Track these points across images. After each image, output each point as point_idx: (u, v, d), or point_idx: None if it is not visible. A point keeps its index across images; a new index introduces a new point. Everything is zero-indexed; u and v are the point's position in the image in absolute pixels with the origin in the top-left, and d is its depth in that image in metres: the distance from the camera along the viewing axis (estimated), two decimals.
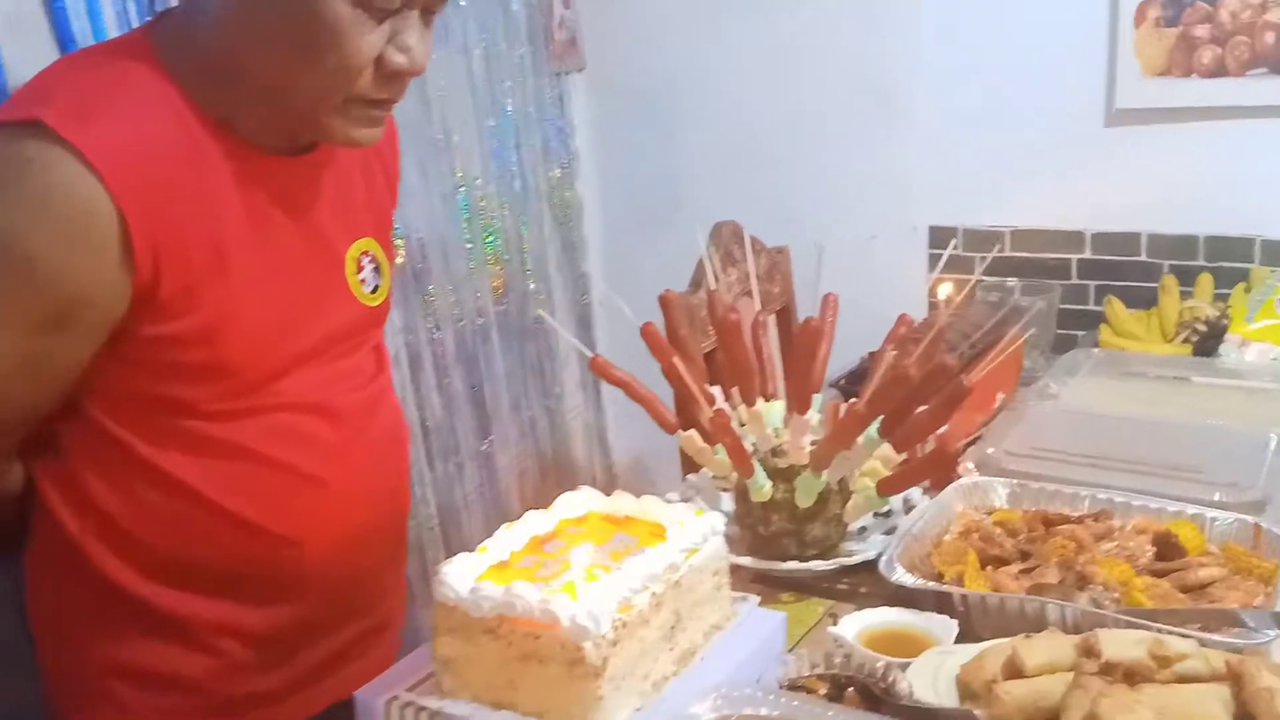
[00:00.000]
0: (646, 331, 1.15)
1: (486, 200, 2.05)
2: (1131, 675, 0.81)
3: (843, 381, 1.46)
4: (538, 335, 2.19)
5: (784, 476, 1.16)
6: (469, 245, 2.00)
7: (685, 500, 1.30)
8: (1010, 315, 1.76)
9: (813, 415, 1.20)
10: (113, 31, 1.29)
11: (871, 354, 1.56)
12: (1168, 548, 1.09)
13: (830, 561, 1.15)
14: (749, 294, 1.36)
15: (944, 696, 0.87)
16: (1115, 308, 1.93)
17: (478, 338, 2.02)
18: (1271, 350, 1.71)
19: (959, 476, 1.26)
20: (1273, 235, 1.92)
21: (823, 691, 0.88)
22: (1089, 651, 0.83)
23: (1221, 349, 1.74)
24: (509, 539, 0.97)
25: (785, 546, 1.17)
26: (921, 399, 1.11)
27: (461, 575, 0.89)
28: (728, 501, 1.28)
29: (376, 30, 0.91)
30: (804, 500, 1.14)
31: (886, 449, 1.19)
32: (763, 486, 1.15)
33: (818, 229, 2.22)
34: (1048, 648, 0.86)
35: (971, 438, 1.49)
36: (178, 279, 0.92)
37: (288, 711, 1.11)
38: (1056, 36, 1.98)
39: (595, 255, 2.40)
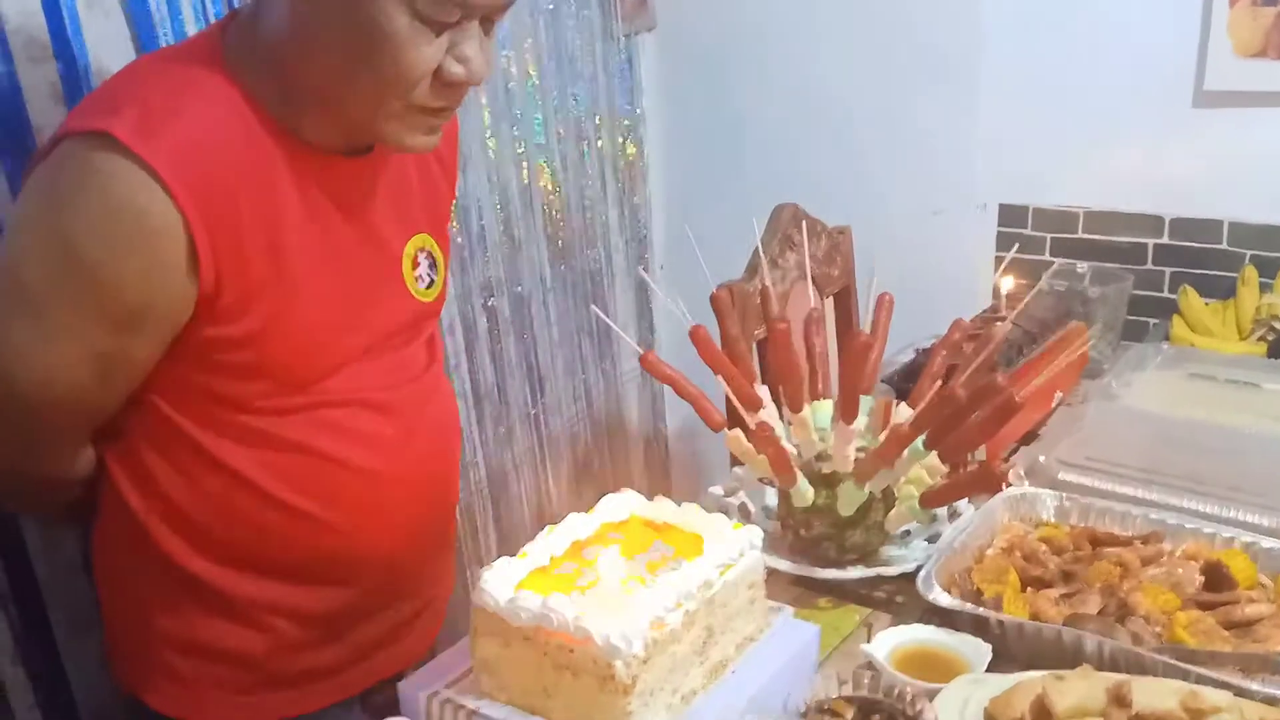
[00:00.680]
0: (696, 335, 1.15)
1: (548, 164, 2.04)
2: None
3: (895, 378, 1.45)
4: (596, 299, 2.19)
5: (827, 483, 1.16)
6: (529, 209, 2.00)
7: (730, 494, 1.31)
8: (1077, 309, 1.72)
9: (861, 417, 1.20)
10: (188, 18, 1.30)
11: (924, 350, 1.54)
12: (1217, 578, 1.07)
13: (869, 570, 1.15)
14: (808, 277, 1.35)
15: None
16: (1190, 298, 1.87)
17: (534, 302, 2.03)
18: None
19: (1008, 485, 1.25)
20: None
21: (849, 716, 0.89)
22: (1120, 700, 0.82)
23: None
24: (550, 543, 0.99)
25: (825, 550, 1.18)
26: (970, 413, 1.10)
27: (501, 583, 0.92)
28: (772, 495, 1.28)
29: (434, 42, 0.90)
30: (846, 509, 1.14)
31: (933, 458, 1.18)
32: (805, 493, 1.15)
33: (883, 200, 2.19)
34: (1079, 690, 0.86)
35: (1026, 436, 1.47)
36: (237, 285, 0.94)
37: (339, 685, 1.16)
38: (1144, 9, 1.88)
39: (658, 220, 2.38)
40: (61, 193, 0.89)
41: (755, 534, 0.99)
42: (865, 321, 1.27)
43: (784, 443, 1.19)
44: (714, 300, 1.21)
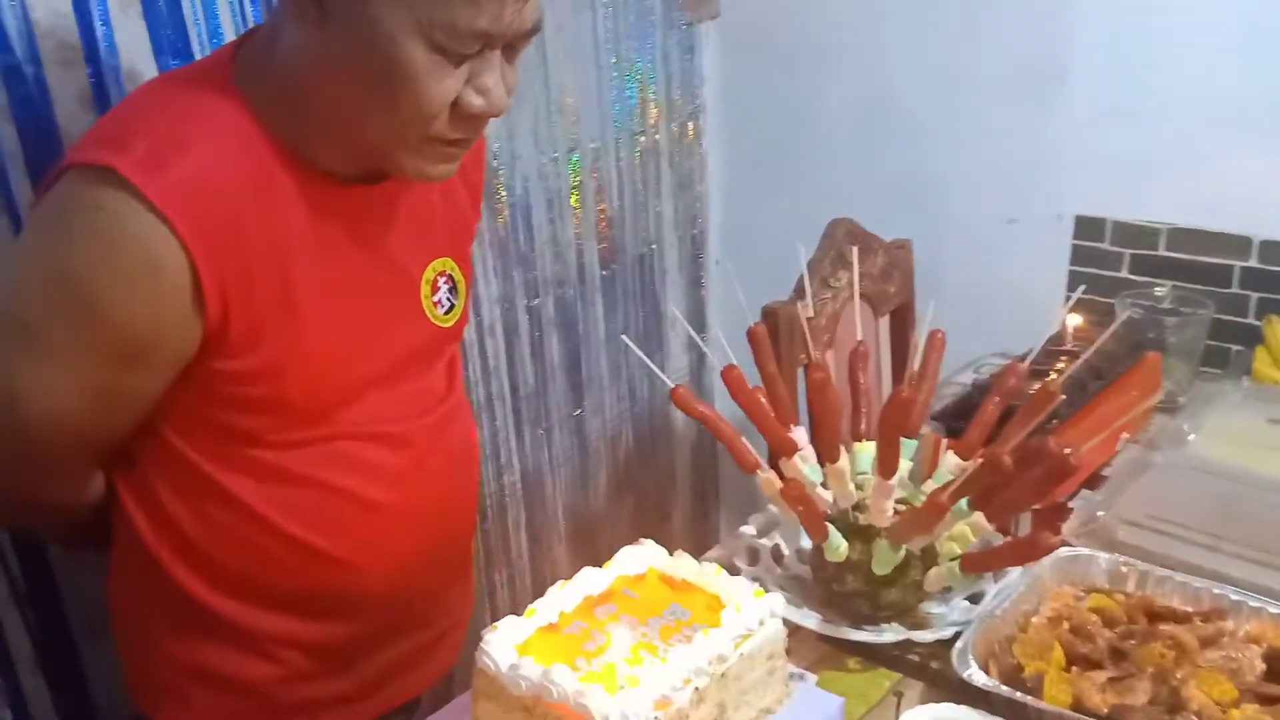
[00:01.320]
0: (728, 376, 1.09)
1: (602, 160, 1.98)
2: None
3: (947, 413, 1.37)
4: (644, 299, 2.13)
5: (863, 536, 1.10)
6: (578, 208, 1.94)
7: (763, 534, 1.26)
8: (1150, 338, 1.61)
9: (904, 462, 1.13)
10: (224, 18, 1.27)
11: (981, 384, 1.45)
12: None
13: (901, 634, 1.09)
14: (862, 297, 1.27)
15: None
16: (1276, 329, 1.74)
17: (581, 301, 1.98)
18: None
19: (1060, 543, 1.17)
20: None
21: None
22: None
23: None
24: (561, 599, 0.94)
25: (858, 605, 1.12)
26: (1018, 476, 1.02)
27: (503, 646, 0.88)
28: (807, 538, 1.22)
29: (454, 74, 0.86)
30: (881, 569, 1.08)
31: (978, 516, 1.11)
32: (838, 548, 1.09)
33: (952, 207, 2.08)
34: None
35: (1090, 479, 1.38)
36: (245, 319, 0.91)
37: (352, 714, 1.14)
38: (1242, 19, 1.75)
39: (715, 216, 2.31)
40: (65, 227, 0.87)
41: (777, 602, 0.94)
42: (921, 335, 1.20)
43: (818, 489, 1.13)
44: (751, 336, 1.15)
